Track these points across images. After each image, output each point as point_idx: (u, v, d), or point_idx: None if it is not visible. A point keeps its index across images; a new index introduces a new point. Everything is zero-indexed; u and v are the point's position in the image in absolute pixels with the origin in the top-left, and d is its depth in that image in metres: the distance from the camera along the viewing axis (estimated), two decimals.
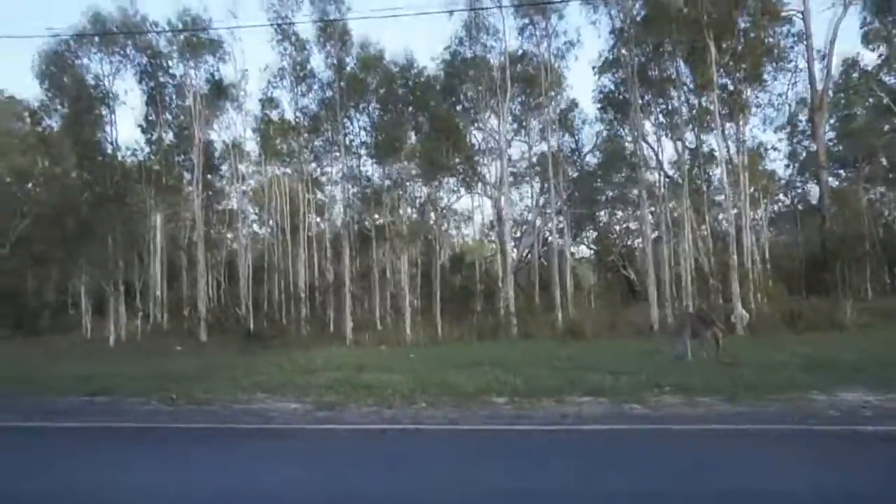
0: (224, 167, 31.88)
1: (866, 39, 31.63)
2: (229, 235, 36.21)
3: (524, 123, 30.74)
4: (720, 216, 29.35)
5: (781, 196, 41.15)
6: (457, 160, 27.23)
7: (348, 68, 26.27)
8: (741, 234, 22.09)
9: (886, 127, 37.32)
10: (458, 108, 28.28)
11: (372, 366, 13.06)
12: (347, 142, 27.43)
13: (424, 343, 20.75)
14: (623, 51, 24.13)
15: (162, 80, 27.94)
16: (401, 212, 28.91)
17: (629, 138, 30.20)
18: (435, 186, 30.00)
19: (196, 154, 26.47)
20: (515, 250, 26.40)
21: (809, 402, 7.64)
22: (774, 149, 36.89)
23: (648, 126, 27.25)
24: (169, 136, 29.26)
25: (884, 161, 38.75)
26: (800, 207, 40.24)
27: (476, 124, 29.13)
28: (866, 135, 34.82)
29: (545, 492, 4.65)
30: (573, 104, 32.06)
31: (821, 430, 6.36)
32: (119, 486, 5.09)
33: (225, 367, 13.72)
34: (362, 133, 28.93)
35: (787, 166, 39.37)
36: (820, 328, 17.86)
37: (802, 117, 34.47)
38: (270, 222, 33.25)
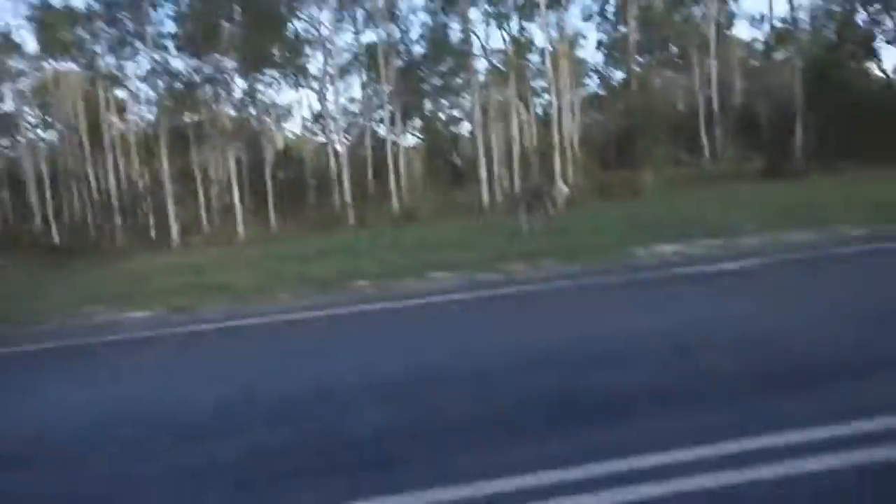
0: None
1: None
2: (2, 142, 31.27)
3: (349, 12, 29.28)
4: (541, 100, 30.98)
5: (588, 81, 44.28)
6: (278, 52, 25.42)
7: None
8: (561, 116, 23.60)
9: (677, 17, 41.06)
10: None
11: (212, 267, 12.57)
12: (153, 33, 24.34)
13: (259, 240, 20.18)
14: None
15: None
16: (218, 108, 26.77)
17: (455, 28, 30.23)
18: (255, 80, 28.02)
19: None
20: (344, 142, 25.92)
21: (633, 256, 8.79)
22: (583, 37, 39.16)
23: (475, 15, 27.39)
24: None
25: (674, 48, 42.94)
26: (602, 92, 43.72)
27: (297, 12, 27.21)
28: (661, 24, 38.08)
29: (443, 360, 4.97)
30: None
31: (647, 277, 7.39)
32: None
33: (39, 285, 12.37)
34: (169, 23, 25.81)
35: (595, 53, 42.17)
36: (626, 196, 20.11)
37: (609, 7, 36.71)
38: (58, 125, 29.12)
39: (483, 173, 22.63)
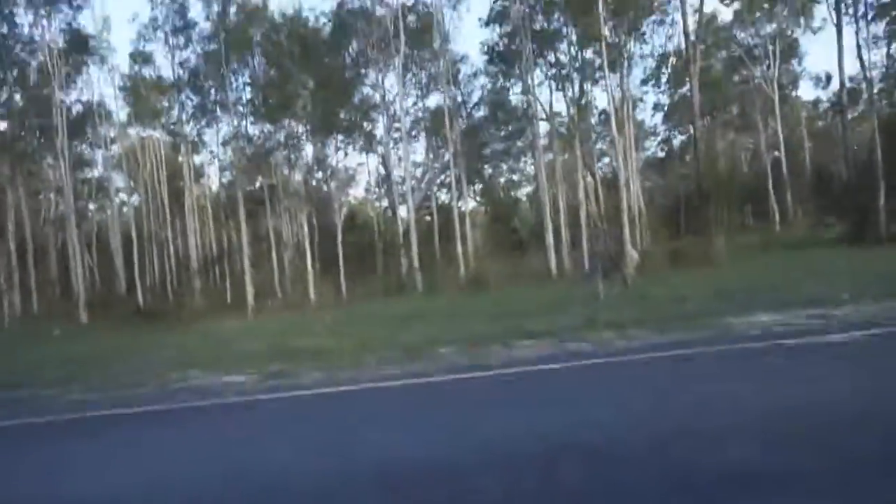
0: (88, 131, 29.07)
1: None
2: (91, 206, 33.32)
3: (414, 77, 30.57)
4: (605, 163, 31.12)
5: (648, 144, 44.33)
6: (349, 116, 26.62)
7: (231, 18, 24.67)
8: (628, 179, 23.58)
9: (737, 78, 41.07)
10: (347, 60, 27.58)
11: (293, 332, 12.82)
12: (232, 99, 25.97)
13: (331, 305, 20.56)
14: (514, 2, 24.50)
15: (5, 31, 24.73)
16: (290, 172, 27.97)
17: (515, 90, 31.06)
18: (324, 145, 29.28)
19: (58, 117, 23.86)
20: (410, 206, 26.48)
21: (729, 326, 8.52)
22: (641, 100, 39.48)
23: (536, 78, 28.10)
24: (18, 98, 26.12)
25: (735, 109, 42.76)
26: (662, 155, 43.66)
27: (365, 79, 28.61)
28: (722, 85, 38.13)
29: (547, 431, 4.88)
30: (462, 57, 32.29)
31: (750, 347, 7.14)
32: (101, 485, 4.74)
33: (128, 347, 12.89)
34: (247, 90, 27.53)
35: (653, 116, 42.36)
36: (698, 263, 19.66)
37: (666, 71, 37.09)
38: (142, 190, 30.93)
39: (549, 239, 22.64)
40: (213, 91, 26.22)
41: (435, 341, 9.41)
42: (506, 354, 8.15)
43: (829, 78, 40.28)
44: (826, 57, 57.73)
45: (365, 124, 30.32)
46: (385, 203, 36.33)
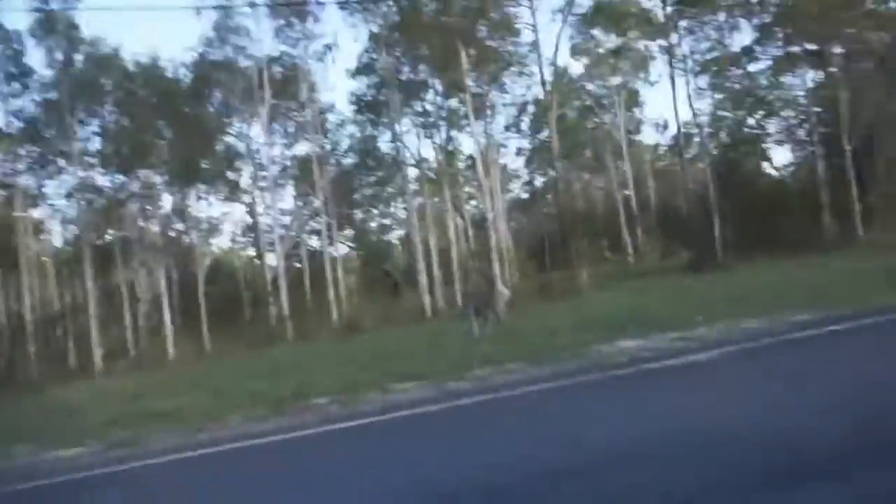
0: None
1: (574, 51, 37.08)
2: None
3: (281, 127, 29.87)
4: (473, 206, 31.90)
5: (513, 186, 46.30)
6: (212, 166, 25.35)
7: (77, 65, 22.83)
8: (495, 219, 24.24)
9: (590, 125, 44.28)
10: (211, 109, 26.42)
11: (149, 393, 11.58)
12: (78, 150, 23.77)
13: (193, 361, 19.01)
14: (380, 53, 24.80)
15: None
16: (146, 224, 26.03)
17: (384, 138, 31.28)
18: (184, 194, 27.61)
19: None
20: (279, 253, 25.46)
21: (597, 354, 8.69)
22: (504, 146, 41.33)
23: (404, 125, 28.43)
24: None
25: (588, 153, 45.92)
26: (526, 196, 45.74)
27: (229, 128, 27.51)
28: (576, 131, 40.90)
29: (430, 476, 4.56)
30: (331, 107, 32.07)
31: (621, 374, 7.27)
32: None
33: None
34: (96, 140, 25.42)
35: (515, 160, 44.44)
36: (564, 295, 20.43)
37: (525, 118, 39.22)
38: None
39: (423, 280, 22.59)
40: (55, 141, 23.97)
41: (307, 392, 8.78)
42: (382, 400, 7.75)
43: (666, 124, 44.53)
44: (665, 105, 64.23)
45: (229, 173, 29.05)
46: (252, 252, 34.83)
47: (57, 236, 29.40)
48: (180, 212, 27.79)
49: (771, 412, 4.79)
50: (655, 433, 4.62)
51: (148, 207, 26.10)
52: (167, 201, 27.65)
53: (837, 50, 26.31)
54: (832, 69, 26.35)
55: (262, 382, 10.40)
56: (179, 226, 28.99)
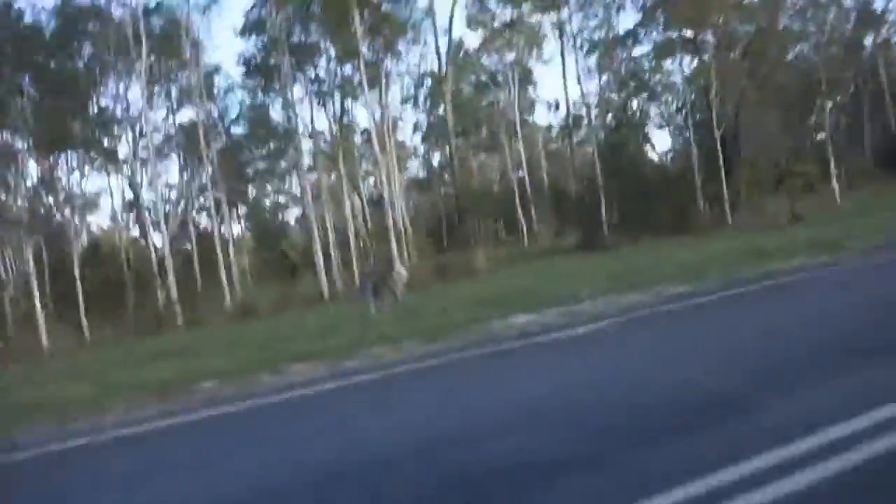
0: None
1: (470, 21, 37.26)
2: None
3: (163, 89, 27.96)
4: (370, 183, 31.59)
5: (410, 164, 46.22)
6: (85, 131, 23.32)
7: None
8: (392, 198, 24.17)
9: (485, 102, 44.86)
10: (80, 65, 24.17)
11: (17, 384, 10.71)
12: None
13: (70, 351, 17.71)
14: (270, 12, 23.67)
15: None
16: (7, 196, 23.74)
17: (276, 106, 30.14)
18: (53, 164, 25.36)
19: None
20: (164, 233, 24.03)
21: (489, 330, 8.97)
22: (401, 119, 41.12)
23: (297, 93, 27.46)
24: None
25: (484, 131, 46.60)
26: (424, 174, 45.86)
27: (103, 88, 25.40)
28: (471, 108, 41.33)
29: (329, 456, 4.56)
30: (217, 68, 30.40)
31: (510, 347, 7.57)
32: None
33: None
34: None
35: (413, 136, 44.36)
36: (462, 275, 20.85)
37: (424, 90, 39.17)
38: None
39: (320, 261, 22.18)
40: None
41: (194, 376, 8.43)
42: (274, 381, 7.60)
43: (558, 105, 45.89)
44: (557, 86, 66.42)
45: (105, 141, 26.79)
46: (136, 232, 32.68)
47: None
48: (49, 183, 25.50)
49: (639, 375, 5.27)
50: (536, 398, 4.98)
51: (11, 178, 23.75)
52: (33, 170, 25.32)
53: (709, 38, 28.22)
54: (705, 57, 28.25)
55: (147, 369, 9.89)
56: (49, 199, 26.68)
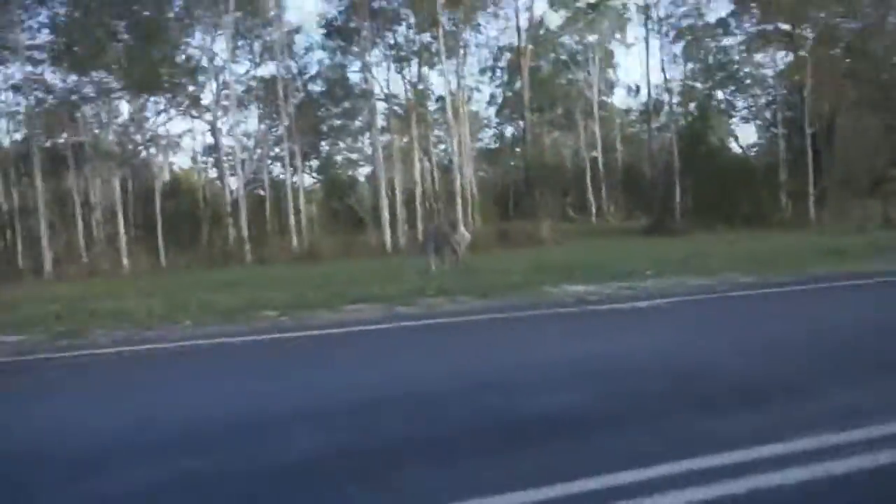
0: None
1: (552, 1, 36.44)
2: None
3: (247, 43, 28.67)
4: (441, 150, 31.65)
5: (482, 135, 45.91)
6: (172, 77, 24.21)
7: None
8: (462, 165, 24.16)
9: (563, 80, 43.92)
10: (170, 15, 25.06)
11: (96, 296, 11.43)
12: (24, 41, 22.31)
13: (147, 273, 18.72)
14: None
15: None
16: (101, 131, 25.05)
17: (353, 68, 30.43)
18: (142, 105, 26.53)
19: None
20: (240, 176, 24.88)
21: (547, 294, 8.94)
22: (478, 90, 40.68)
23: (375, 57, 27.62)
24: None
25: (560, 109, 45.72)
26: (495, 145, 45.49)
27: (191, 39, 26.25)
28: (549, 85, 40.54)
29: (382, 384, 4.71)
30: (299, 28, 30.85)
31: (565, 311, 7.53)
32: None
33: None
34: (44, 33, 23.80)
35: (487, 108, 43.93)
36: (525, 244, 20.76)
37: (502, 63, 38.60)
38: None
39: (385, 216, 22.52)
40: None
41: (259, 305, 8.82)
42: (333, 318, 7.85)
43: (638, 88, 44.44)
44: (638, 70, 64.28)
45: (191, 87, 27.85)
46: (213, 174, 33.94)
47: (2, 134, 27.97)
48: (138, 123, 26.73)
49: (681, 349, 5.16)
50: (578, 360, 4.94)
51: (104, 114, 25.03)
52: (124, 109, 26.58)
53: (808, 33, 26.60)
54: (801, 53, 26.67)
55: (216, 294, 10.38)
56: (137, 137, 27.97)
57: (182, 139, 34.22)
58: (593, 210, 36.30)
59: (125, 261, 20.07)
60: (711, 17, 30.60)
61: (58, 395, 4.79)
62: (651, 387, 4.01)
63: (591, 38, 39.19)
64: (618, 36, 40.80)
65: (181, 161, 37.14)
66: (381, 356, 5.71)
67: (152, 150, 28.59)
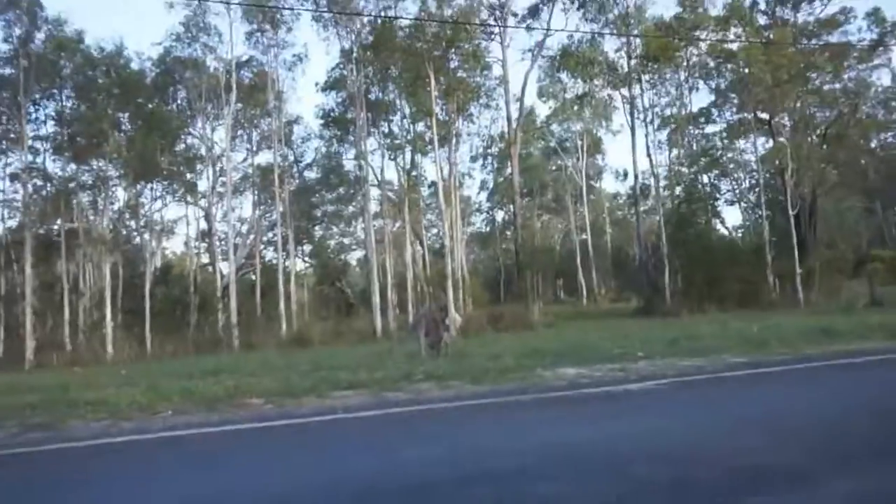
0: None
1: (541, 93, 38.11)
2: None
3: (245, 133, 29.63)
4: (433, 234, 32.03)
5: (474, 219, 46.66)
6: (171, 165, 24.82)
7: (36, 43, 22.18)
8: (454, 248, 24.38)
9: (553, 166, 45.22)
10: (174, 107, 26.02)
11: (78, 385, 11.11)
12: (29, 132, 22.95)
13: (132, 361, 18.35)
14: (350, 71, 24.93)
15: None
16: (96, 217, 25.28)
17: (348, 156, 31.34)
18: (139, 192, 26.99)
19: None
20: (231, 260, 24.94)
21: (539, 377, 8.77)
22: (470, 176, 41.74)
23: (370, 145, 28.46)
24: None
25: (550, 193, 46.79)
26: (486, 229, 46.18)
27: (191, 128, 27.09)
28: (539, 171, 41.71)
29: (369, 474, 4.53)
30: (297, 118, 32.01)
31: (558, 395, 7.36)
32: None
33: None
34: (49, 124, 24.61)
35: (479, 193, 44.97)
36: (517, 327, 20.62)
37: (493, 150, 39.81)
38: None
39: (376, 300, 22.45)
40: (3, 120, 23.17)
41: (244, 393, 8.59)
42: (320, 405, 7.64)
43: (626, 173, 45.79)
44: (625, 154, 66.34)
45: (188, 175, 28.51)
46: (205, 259, 34.06)
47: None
48: (133, 208, 27.05)
49: (674, 433, 5.05)
50: (573, 445, 4.80)
51: (100, 200, 25.36)
52: (120, 196, 26.99)
53: (785, 121, 27.75)
54: (780, 139, 27.71)
55: (200, 382, 10.13)
56: (131, 223, 28.27)
57: (176, 225, 34.78)
58: (584, 292, 36.45)
59: (109, 348, 19.72)
60: (694, 107, 32.06)
61: (22, 492, 4.55)
62: (650, 473, 3.87)
63: (579, 126, 40.73)
64: (604, 124, 42.48)
65: (174, 246, 37.38)
66: (367, 445, 5.51)
67: (146, 236, 28.79)
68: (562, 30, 32.51)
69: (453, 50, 23.25)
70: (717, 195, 34.43)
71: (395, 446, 5.37)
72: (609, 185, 51.01)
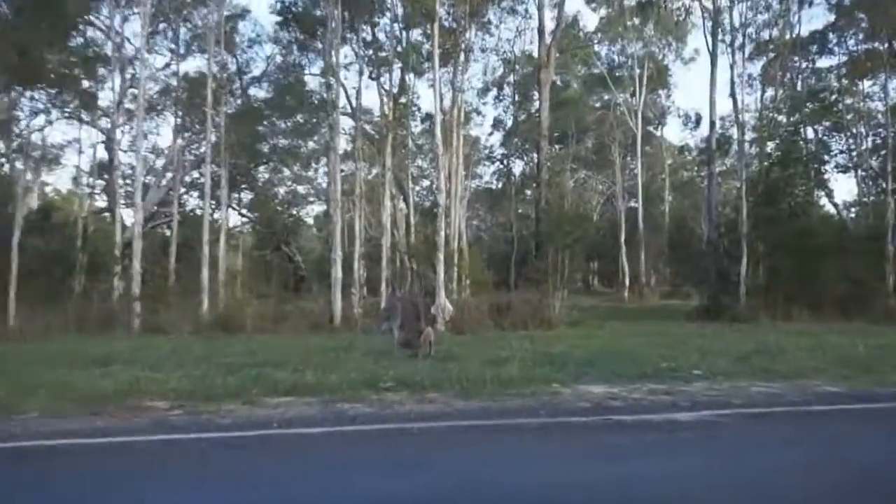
0: None
1: None
2: None
3: (171, 28, 29.26)
4: (423, 187, 31.99)
5: (482, 171, 46.62)
6: (62, 65, 24.52)
7: None
8: (450, 208, 24.38)
9: (596, 102, 44.99)
10: None
11: None
12: None
13: None
14: None
15: None
16: None
17: (314, 70, 31.00)
18: (12, 99, 26.74)
19: None
20: (139, 207, 24.78)
21: (553, 395, 8.87)
22: (478, 112, 41.46)
23: (344, 57, 28.12)
24: None
25: (590, 141, 46.72)
26: (497, 185, 46.10)
27: (93, 14, 26.72)
28: (577, 108, 41.45)
29: None
30: (243, 12, 31.62)
31: (576, 422, 7.45)
32: None
33: None
34: None
35: (491, 135, 44.76)
36: (531, 323, 20.76)
37: (515, 77, 39.60)
38: None
39: (338, 273, 22.46)
40: None
41: (142, 392, 8.71)
42: (248, 414, 7.74)
43: (699, 119, 45.69)
44: (700, 93, 65.91)
45: (85, 82, 28.18)
46: (102, 203, 33.98)
47: None
48: (3, 124, 26.82)
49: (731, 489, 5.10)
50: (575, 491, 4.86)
51: None
52: None
53: None
54: None
55: (82, 374, 10.23)
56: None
57: (64, 152, 34.57)
58: (626, 281, 36.62)
59: None
60: (803, 29, 31.69)
61: None
62: None
63: (638, 47, 40.46)
64: (674, 47, 42.23)
65: (59, 182, 37.25)
66: (309, 473, 5.60)
67: (18, 164, 28.61)
68: None
69: None
70: (826, 157, 34.41)
71: (347, 477, 5.46)
72: (674, 134, 51.24)
